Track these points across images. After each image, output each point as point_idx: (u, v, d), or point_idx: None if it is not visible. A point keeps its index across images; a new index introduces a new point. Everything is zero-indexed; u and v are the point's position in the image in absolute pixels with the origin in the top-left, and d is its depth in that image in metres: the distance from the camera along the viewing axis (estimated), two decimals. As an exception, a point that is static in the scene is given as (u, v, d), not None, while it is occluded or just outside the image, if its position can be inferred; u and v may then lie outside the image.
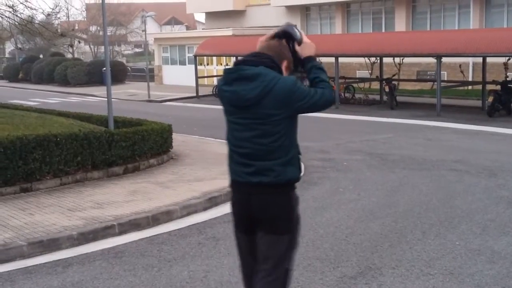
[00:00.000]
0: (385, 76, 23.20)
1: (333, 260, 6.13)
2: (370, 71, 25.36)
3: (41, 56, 48.87)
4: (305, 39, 3.78)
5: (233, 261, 6.18)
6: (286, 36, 3.76)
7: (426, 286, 5.41)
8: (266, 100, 3.50)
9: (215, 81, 29.62)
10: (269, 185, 3.60)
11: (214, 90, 27.70)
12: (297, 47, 3.76)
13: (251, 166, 3.62)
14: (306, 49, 3.77)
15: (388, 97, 21.60)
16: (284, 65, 3.70)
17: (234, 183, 3.77)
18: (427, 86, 25.36)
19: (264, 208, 3.64)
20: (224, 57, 31.18)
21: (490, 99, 18.22)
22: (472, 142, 13.85)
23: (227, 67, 3.22)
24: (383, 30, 29.13)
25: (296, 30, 3.77)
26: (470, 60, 24.76)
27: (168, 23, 71.18)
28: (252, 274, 3.82)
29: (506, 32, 20.36)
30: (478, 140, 14.05)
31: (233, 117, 3.67)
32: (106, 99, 11.84)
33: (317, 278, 5.67)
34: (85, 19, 55.62)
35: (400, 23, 28.32)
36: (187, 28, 63.05)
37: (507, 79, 19.18)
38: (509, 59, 19.92)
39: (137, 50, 68.22)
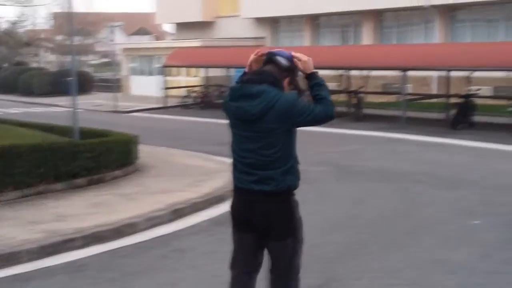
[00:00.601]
0: (352, 89, 23.42)
1: (297, 272, 6.13)
2: (338, 83, 25.57)
3: (5, 65, 48.13)
4: (302, 56, 4.04)
5: (198, 273, 6.16)
6: (272, 61, 4.01)
7: (388, 298, 5.47)
8: (268, 115, 3.80)
9: (183, 92, 29.56)
10: (270, 193, 3.90)
11: (182, 101, 27.68)
12: (299, 65, 4.03)
13: (254, 175, 3.91)
14: (307, 66, 4.05)
15: (355, 109, 21.79)
16: (286, 81, 4.00)
17: (237, 189, 4.06)
18: (392, 98, 25.64)
19: (266, 215, 3.93)
20: (193, 68, 31.14)
21: (453, 112, 18.51)
22: (436, 154, 14.05)
23: (233, 84, 3.39)
24: (351, 43, 29.44)
25: (280, 58, 4.00)
26: (434, 73, 25.16)
27: (137, 33, 70.80)
28: (247, 273, 4.15)
29: (470, 47, 20.75)
30: (442, 153, 14.25)
31: (238, 130, 3.98)
32: (71, 109, 11.72)
33: (280, 290, 5.67)
34: (52, 28, 55.03)
35: (368, 37, 28.67)
36: (156, 38, 62.85)
37: (470, 92, 19.52)
38: (472, 73, 20.28)
39: (104, 60, 67.70)
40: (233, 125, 4.03)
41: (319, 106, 3.91)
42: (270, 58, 4.03)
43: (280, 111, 3.80)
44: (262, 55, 4.10)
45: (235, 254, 4.22)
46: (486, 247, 6.90)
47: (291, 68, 4.02)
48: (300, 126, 3.93)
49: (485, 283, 5.78)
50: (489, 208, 8.73)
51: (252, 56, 4.14)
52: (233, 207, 4.13)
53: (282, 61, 4.01)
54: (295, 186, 4.03)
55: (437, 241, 7.13)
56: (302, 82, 4.16)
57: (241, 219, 4.08)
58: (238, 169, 4.01)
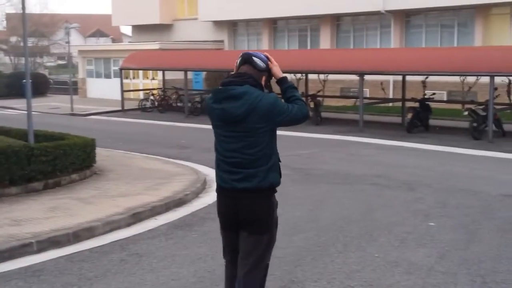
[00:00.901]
0: (310, 92, 23.61)
1: (256, 275, 6.16)
2: (296, 87, 25.67)
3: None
4: (272, 62, 4.30)
5: (156, 277, 6.13)
6: (249, 63, 4.22)
7: (346, 299, 5.53)
8: (251, 115, 3.99)
9: (141, 95, 29.34)
10: (253, 190, 4.09)
11: (140, 104, 27.48)
12: (273, 69, 4.28)
13: (238, 174, 4.09)
14: (277, 71, 4.30)
15: (313, 113, 21.97)
16: (263, 80, 4.22)
17: (221, 188, 4.24)
18: (350, 102, 25.96)
19: (248, 210, 4.13)
20: (150, 71, 30.94)
21: (409, 115, 18.86)
22: (392, 157, 14.27)
23: (216, 87, 3.58)
24: (309, 47, 29.68)
25: (257, 60, 4.21)
26: (390, 78, 25.56)
27: (93, 35, 70.05)
28: (234, 262, 4.34)
29: (424, 52, 21.16)
30: (398, 155, 14.48)
31: (222, 131, 4.14)
32: (26, 112, 11.50)
33: (240, 292, 5.68)
34: (5, 29, 53.98)
35: (325, 41, 28.95)
36: (113, 40, 62.21)
37: (425, 96, 19.89)
38: (427, 78, 20.67)
39: (60, 62, 66.69)
40: (216, 127, 4.19)
41: (296, 107, 4.16)
42: (246, 59, 4.21)
43: (262, 111, 4.00)
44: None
45: (224, 246, 4.46)
46: (441, 248, 7.04)
47: (267, 70, 4.24)
48: (279, 126, 4.14)
49: (441, 283, 5.89)
50: (444, 210, 8.91)
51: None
52: (218, 207, 4.32)
53: (259, 62, 4.21)
54: (278, 183, 4.23)
55: (394, 243, 7.24)
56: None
57: (226, 218, 4.29)
58: (222, 168, 4.18)
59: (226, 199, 4.22)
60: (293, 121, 4.14)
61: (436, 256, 6.73)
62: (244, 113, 3.99)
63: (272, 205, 4.23)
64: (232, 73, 4.25)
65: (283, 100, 4.24)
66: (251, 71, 4.16)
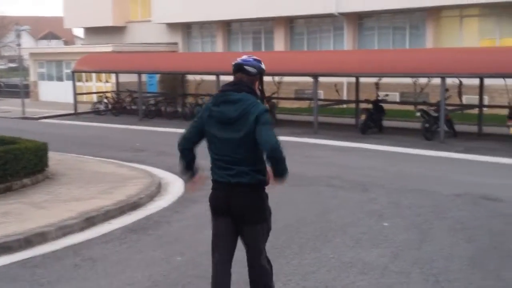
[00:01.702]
0: (265, 94, 23.64)
1: (212, 278, 6.14)
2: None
3: None
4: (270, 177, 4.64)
5: (110, 282, 6.05)
6: (241, 70, 4.64)
7: (302, 300, 5.56)
8: (243, 118, 4.45)
9: (94, 98, 28.94)
10: (245, 184, 4.52)
11: (93, 107, 27.11)
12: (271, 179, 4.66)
13: (232, 170, 4.53)
14: (274, 182, 4.66)
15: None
16: (256, 85, 4.67)
17: (217, 182, 4.66)
18: (305, 104, 26.14)
19: (241, 203, 4.55)
20: (104, 74, 30.56)
21: (363, 117, 19.09)
22: (347, 158, 14.42)
23: (215, 93, 3.94)
24: (263, 50, 29.77)
25: (248, 67, 4.61)
26: (344, 80, 25.83)
27: (45, 37, 68.87)
28: (224, 256, 4.70)
29: (377, 54, 21.46)
30: (352, 157, 14.64)
31: (218, 132, 4.55)
32: (-25, 116, 11.23)
33: (196, 296, 5.66)
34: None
35: (279, 43, 29.09)
36: (65, 43, 61.26)
37: (378, 98, 20.16)
38: (380, 79, 20.97)
39: (11, 65, 65.32)
40: (213, 128, 4.58)
41: (279, 144, 4.41)
42: (239, 67, 4.64)
43: (253, 115, 4.43)
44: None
45: (215, 239, 4.74)
46: (395, 248, 7.14)
47: (259, 73, 4.65)
48: (257, 134, 4.41)
49: (395, 283, 5.98)
50: (397, 210, 9.05)
51: None
52: (212, 198, 4.70)
53: (250, 69, 4.62)
54: (265, 182, 4.65)
55: (348, 243, 7.31)
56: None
57: (219, 208, 4.65)
58: (217, 166, 4.62)
59: (222, 192, 4.62)
60: (265, 136, 4.38)
61: (390, 256, 6.83)
62: (238, 116, 4.46)
63: (262, 197, 4.66)
64: (230, 81, 4.68)
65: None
66: (245, 78, 4.61)
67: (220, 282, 4.70)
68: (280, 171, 4.51)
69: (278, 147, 4.38)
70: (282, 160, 4.44)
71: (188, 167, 4.86)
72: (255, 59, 4.68)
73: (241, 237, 4.71)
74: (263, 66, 4.69)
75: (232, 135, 4.49)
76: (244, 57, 4.72)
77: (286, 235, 7.66)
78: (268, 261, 4.87)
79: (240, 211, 4.57)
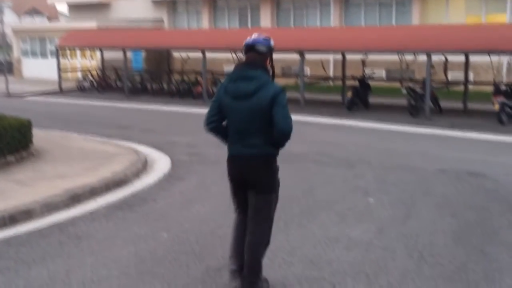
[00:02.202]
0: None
1: (198, 254, 6.16)
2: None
3: None
4: None
5: (95, 259, 6.04)
6: (252, 50, 4.95)
7: (287, 274, 5.59)
8: (258, 94, 4.78)
9: (79, 75, 28.70)
10: (257, 155, 4.89)
11: (78, 84, 26.89)
12: None
13: (246, 142, 4.88)
14: None
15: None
16: (267, 62, 4.99)
17: (232, 156, 5.04)
18: (291, 81, 26.08)
19: (254, 173, 4.92)
20: (88, 50, 30.26)
21: (349, 94, 19.09)
22: (333, 135, 14.44)
23: (233, 69, 4.98)
24: (249, 26, 29.58)
25: (260, 46, 4.93)
26: (331, 56, 25.78)
27: (28, 13, 67.98)
28: (241, 213, 5.15)
29: (364, 31, 21.41)
30: (339, 133, 14.67)
31: (232, 106, 4.87)
32: (-42, 93, 11.10)
33: (182, 272, 5.67)
34: None
35: (265, 19, 28.92)
36: (49, 19, 60.52)
37: (365, 75, 20.16)
38: (366, 56, 20.95)
39: (-6, 41, 64.45)
40: (228, 104, 4.90)
41: (290, 122, 4.80)
42: (250, 47, 4.94)
43: (268, 93, 4.77)
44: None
45: (234, 201, 5.23)
46: (380, 224, 7.19)
47: (269, 51, 4.97)
48: (272, 114, 4.76)
49: (380, 258, 6.02)
50: (382, 186, 9.09)
51: None
52: (229, 170, 5.09)
53: (261, 48, 4.93)
54: (275, 154, 5.02)
55: (334, 219, 7.35)
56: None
57: (235, 177, 5.07)
58: (233, 138, 4.97)
59: (236, 164, 5.00)
60: (281, 118, 4.73)
61: (375, 232, 6.87)
62: (254, 91, 4.79)
63: (273, 169, 5.01)
64: (244, 60, 4.99)
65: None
66: (257, 57, 4.92)
67: (238, 229, 5.18)
68: (277, 145, 4.95)
69: (289, 133, 4.78)
70: (285, 143, 4.90)
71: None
72: (264, 38, 4.97)
73: (250, 204, 5.03)
74: (272, 44, 5.01)
75: (247, 110, 4.82)
76: (254, 36, 4.99)
77: (272, 212, 7.68)
78: (269, 235, 5.16)
79: (252, 181, 4.95)
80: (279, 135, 4.77)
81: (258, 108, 4.78)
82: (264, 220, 5.04)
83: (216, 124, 5.04)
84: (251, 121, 4.83)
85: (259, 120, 4.82)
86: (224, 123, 5.03)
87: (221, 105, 4.96)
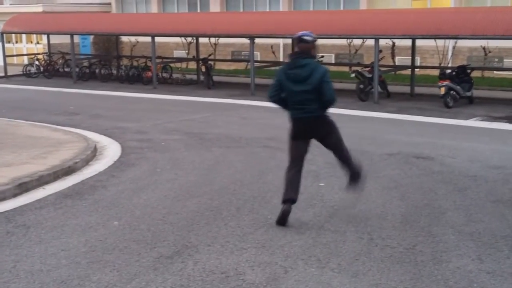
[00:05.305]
0: (201, 56, 23.47)
1: (149, 241, 6.13)
2: (187, 51, 25.40)
3: None
4: None
5: (44, 248, 5.95)
6: (301, 41, 6.62)
7: (240, 260, 5.61)
8: (311, 77, 6.48)
9: (25, 60, 28.00)
10: (316, 116, 6.66)
11: (24, 70, 26.25)
12: None
13: (305, 109, 6.60)
14: None
15: (205, 77, 21.90)
16: (313, 51, 6.66)
17: (294, 119, 6.75)
18: (242, 66, 26.06)
19: (317, 126, 6.71)
20: (34, 35, 29.53)
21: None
22: (283, 120, 14.39)
23: (289, 59, 6.89)
24: (199, 10, 29.37)
25: (307, 37, 6.60)
26: (281, 41, 25.83)
27: (-30, -3, 65.79)
28: (298, 170, 6.83)
29: (312, 15, 21.51)
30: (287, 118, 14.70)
31: (292, 87, 6.56)
32: None
33: (133, 260, 5.63)
34: None
35: (215, 4, 28.74)
36: (-8, 3, 58.68)
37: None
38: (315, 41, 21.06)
39: None
40: (289, 85, 6.57)
41: (333, 93, 6.64)
42: (299, 39, 6.56)
43: (318, 74, 6.47)
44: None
45: (293, 154, 6.84)
46: (331, 208, 7.29)
47: (313, 41, 6.60)
48: (321, 89, 6.48)
49: (331, 242, 6.10)
50: (333, 170, 9.17)
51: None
52: (293, 128, 6.76)
53: (308, 38, 6.57)
54: (327, 115, 6.77)
55: (285, 204, 7.38)
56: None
57: (300, 135, 6.73)
58: (292, 107, 6.68)
59: (298, 124, 6.69)
60: (327, 91, 6.50)
61: (325, 216, 6.96)
62: (307, 75, 6.46)
63: (329, 120, 6.78)
64: (296, 51, 6.68)
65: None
66: (305, 47, 6.56)
67: (294, 178, 6.74)
68: (325, 109, 6.66)
69: (334, 100, 6.58)
70: (331, 107, 6.64)
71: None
72: (310, 32, 6.64)
73: (326, 148, 6.92)
74: (314, 36, 6.61)
75: (303, 88, 6.48)
76: (301, 32, 6.63)
77: (224, 197, 7.70)
78: (349, 154, 6.99)
79: (318, 132, 6.71)
80: (327, 102, 6.53)
81: (312, 87, 6.45)
82: (342, 147, 6.90)
83: (278, 97, 6.73)
84: (307, 96, 6.49)
85: (313, 95, 6.48)
86: (282, 95, 6.66)
87: (282, 85, 6.63)
